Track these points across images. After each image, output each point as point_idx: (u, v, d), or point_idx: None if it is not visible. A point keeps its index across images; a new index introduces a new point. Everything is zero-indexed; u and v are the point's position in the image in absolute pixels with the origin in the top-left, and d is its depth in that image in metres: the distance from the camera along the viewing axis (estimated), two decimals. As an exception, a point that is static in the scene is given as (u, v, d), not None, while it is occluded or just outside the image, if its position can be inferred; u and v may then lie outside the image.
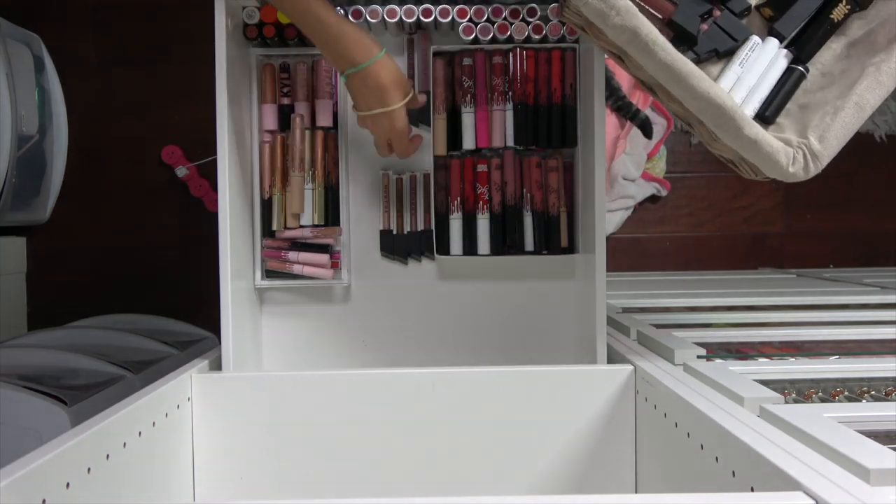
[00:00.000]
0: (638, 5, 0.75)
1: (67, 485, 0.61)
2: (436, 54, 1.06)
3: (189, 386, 0.88)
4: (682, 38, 0.78)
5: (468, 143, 1.06)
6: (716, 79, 0.78)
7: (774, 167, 0.73)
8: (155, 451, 0.79)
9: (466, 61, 1.06)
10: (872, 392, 0.78)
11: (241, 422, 0.89)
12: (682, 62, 0.72)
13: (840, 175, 2.20)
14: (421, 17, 1.03)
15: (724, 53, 0.79)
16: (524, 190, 1.07)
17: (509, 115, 1.06)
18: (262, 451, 0.89)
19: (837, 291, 1.42)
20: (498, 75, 1.05)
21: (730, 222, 2.19)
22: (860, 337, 1.01)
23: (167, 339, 1.52)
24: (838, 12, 0.78)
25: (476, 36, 1.03)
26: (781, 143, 0.73)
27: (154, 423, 0.79)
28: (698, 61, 0.78)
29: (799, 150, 0.73)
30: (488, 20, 1.03)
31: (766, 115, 0.76)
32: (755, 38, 0.79)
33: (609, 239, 2.07)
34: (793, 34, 0.79)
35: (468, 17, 1.03)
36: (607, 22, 0.72)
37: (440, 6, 1.02)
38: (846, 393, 0.78)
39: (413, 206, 1.09)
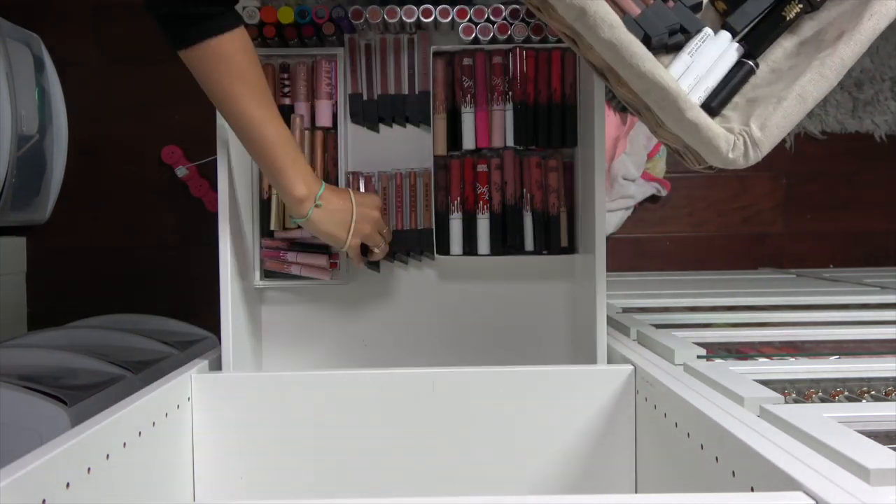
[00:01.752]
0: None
1: (67, 485, 0.61)
2: (436, 54, 1.06)
3: (189, 386, 0.88)
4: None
5: (468, 143, 1.06)
6: (665, 67, 0.79)
7: (715, 153, 0.73)
8: (155, 451, 0.79)
9: (466, 61, 1.06)
10: (872, 392, 0.78)
11: (241, 422, 0.89)
12: (629, 42, 0.72)
13: (840, 175, 2.20)
14: (421, 18, 1.03)
15: (673, 46, 0.80)
16: (524, 190, 1.07)
17: (509, 115, 1.06)
18: (262, 450, 0.89)
19: (837, 291, 1.42)
20: (498, 75, 1.05)
21: (730, 222, 2.19)
22: (860, 337, 1.01)
23: (167, 339, 1.52)
24: (790, 10, 0.78)
25: (476, 36, 1.03)
26: (723, 130, 0.73)
27: (154, 423, 0.79)
28: (650, 48, 0.78)
29: (740, 136, 0.73)
30: (488, 20, 1.03)
31: (712, 106, 0.77)
32: (707, 30, 0.80)
33: (609, 239, 2.07)
34: (745, 29, 0.80)
35: (468, 17, 1.03)
36: None
37: (440, 6, 1.02)
38: (846, 393, 0.78)
39: (413, 205, 1.09)
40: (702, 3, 0.81)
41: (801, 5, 0.78)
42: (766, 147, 0.73)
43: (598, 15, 0.71)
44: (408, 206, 1.09)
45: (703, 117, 0.73)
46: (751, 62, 0.78)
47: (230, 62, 0.83)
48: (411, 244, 1.09)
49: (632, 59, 0.72)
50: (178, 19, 0.81)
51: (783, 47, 0.81)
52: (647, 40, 0.78)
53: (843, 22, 0.76)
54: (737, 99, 0.79)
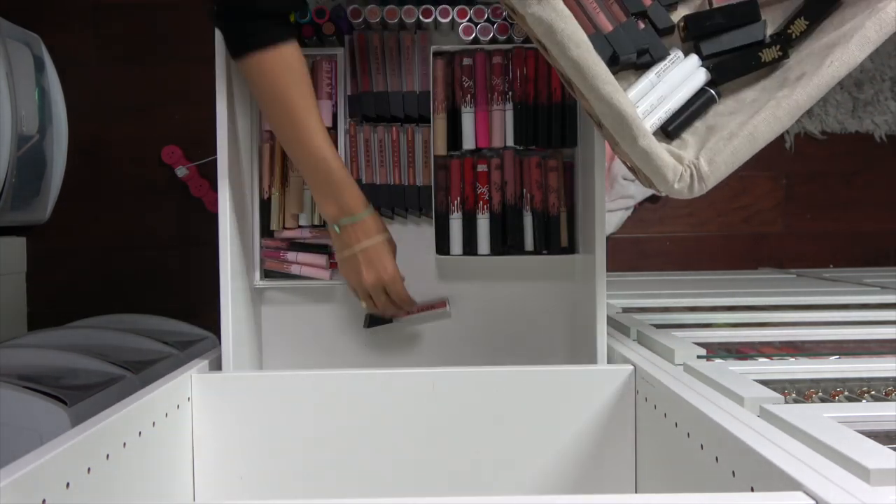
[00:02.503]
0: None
1: (67, 485, 0.61)
2: (436, 54, 1.06)
3: (189, 386, 0.88)
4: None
5: (468, 143, 1.06)
6: (631, 84, 0.80)
7: (661, 181, 0.75)
8: (155, 451, 0.79)
9: (466, 61, 1.06)
10: (872, 392, 0.78)
11: (241, 422, 0.89)
12: (593, 62, 0.72)
13: (840, 175, 2.20)
14: (421, 18, 1.03)
15: (642, 64, 0.81)
16: (524, 190, 1.07)
17: (509, 115, 1.06)
18: (262, 451, 0.89)
19: (837, 291, 1.42)
20: (498, 75, 1.05)
21: (730, 222, 2.19)
22: (860, 337, 1.01)
23: (167, 339, 1.52)
24: (768, 54, 0.79)
25: (476, 36, 1.03)
26: (672, 160, 0.74)
27: (154, 423, 0.79)
28: (617, 66, 0.79)
29: (687, 168, 0.75)
30: (488, 20, 1.03)
31: (669, 130, 0.78)
32: (678, 53, 0.81)
33: (609, 239, 2.07)
34: (712, 56, 0.81)
35: (468, 17, 1.03)
36: (526, 9, 0.72)
37: (440, 6, 1.02)
38: (846, 393, 0.78)
39: (411, 161, 1.08)
40: (674, 26, 0.82)
41: (780, 52, 0.79)
42: (712, 182, 0.75)
43: (566, 33, 0.72)
44: (405, 161, 1.08)
45: (654, 146, 0.74)
46: (712, 91, 0.79)
47: (294, 70, 0.88)
48: (411, 201, 1.08)
49: (593, 81, 0.73)
50: (253, 19, 0.86)
51: (748, 79, 0.82)
52: (615, 58, 0.79)
53: (807, 64, 0.77)
54: (697, 123, 0.80)
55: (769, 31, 0.81)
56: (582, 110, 1.04)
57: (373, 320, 1.10)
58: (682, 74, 0.80)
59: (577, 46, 0.72)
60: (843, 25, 0.78)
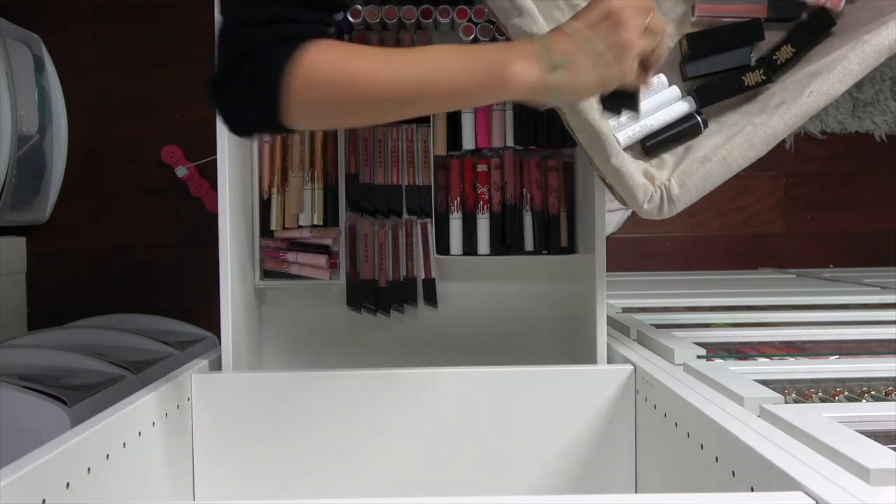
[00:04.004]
0: None
1: (67, 485, 0.61)
2: (436, 54, 1.06)
3: (189, 386, 0.88)
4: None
5: (468, 143, 1.06)
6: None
7: (632, 200, 0.76)
8: (155, 451, 0.79)
9: (466, 61, 1.06)
10: (872, 392, 0.78)
11: (241, 422, 0.89)
12: None
13: (840, 175, 2.20)
14: (421, 18, 1.03)
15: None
16: (524, 190, 1.07)
17: (509, 115, 1.06)
18: (262, 451, 0.89)
19: (837, 291, 1.42)
20: (498, 75, 1.05)
21: (730, 222, 2.19)
22: (860, 337, 1.01)
23: (167, 339, 1.52)
24: (751, 78, 0.80)
25: (476, 36, 1.03)
26: (644, 180, 0.75)
27: (154, 423, 0.79)
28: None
29: (658, 190, 0.75)
30: (488, 20, 1.03)
31: (647, 146, 0.79)
32: (663, 78, 0.82)
33: (609, 239, 2.06)
34: (696, 76, 0.81)
35: (468, 17, 1.03)
36: (508, 21, 0.72)
37: (440, 6, 1.02)
38: (846, 393, 0.78)
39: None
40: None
41: (763, 76, 0.79)
42: (682, 204, 0.76)
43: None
44: (405, 161, 1.08)
45: (626, 166, 0.74)
46: (700, 118, 0.80)
47: (343, 53, 0.65)
48: (411, 201, 1.07)
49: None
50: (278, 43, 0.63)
51: (730, 101, 0.83)
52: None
53: (788, 92, 0.77)
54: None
55: (754, 57, 0.82)
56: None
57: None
58: (664, 98, 0.81)
59: None
60: (828, 54, 0.78)
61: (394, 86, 0.65)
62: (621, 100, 0.73)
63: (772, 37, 0.84)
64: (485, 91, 0.66)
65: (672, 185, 0.74)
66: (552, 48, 0.65)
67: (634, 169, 0.75)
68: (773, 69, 0.80)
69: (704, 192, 0.75)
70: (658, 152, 0.79)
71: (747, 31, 0.82)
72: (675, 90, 0.81)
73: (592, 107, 0.73)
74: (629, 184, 0.74)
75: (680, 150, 0.80)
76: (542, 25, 0.71)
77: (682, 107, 0.80)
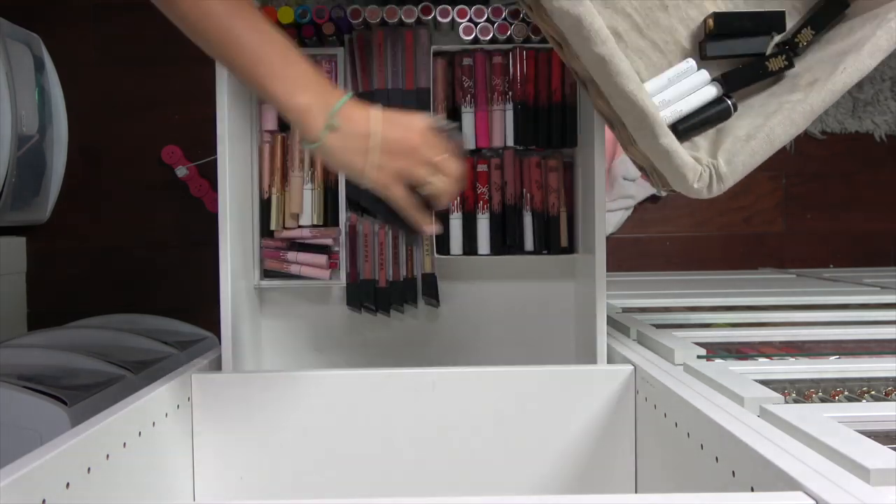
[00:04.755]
0: None
1: (67, 485, 0.61)
2: (436, 54, 1.06)
3: (189, 386, 0.88)
4: None
5: (468, 143, 1.06)
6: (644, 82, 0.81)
7: (681, 181, 0.76)
8: (155, 451, 0.79)
9: (466, 61, 1.06)
10: (872, 392, 0.78)
11: (241, 422, 0.89)
12: (619, 59, 0.73)
13: (840, 175, 2.20)
14: (420, 17, 1.03)
15: None
16: (524, 190, 1.07)
17: (509, 115, 1.06)
18: (262, 451, 0.89)
19: (837, 291, 1.42)
20: (498, 75, 1.05)
21: (730, 222, 2.19)
22: (860, 337, 1.01)
23: (167, 339, 1.52)
24: (775, 63, 0.81)
25: (476, 36, 1.03)
26: (692, 160, 0.75)
27: (154, 423, 0.79)
28: None
29: (707, 169, 0.76)
30: (488, 20, 1.03)
31: (679, 129, 0.80)
32: (691, 62, 0.82)
33: (609, 239, 2.07)
34: (717, 56, 0.83)
35: (468, 17, 1.03)
36: (553, 2, 0.72)
37: (440, 6, 1.02)
38: (846, 393, 0.78)
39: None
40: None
41: (786, 62, 0.80)
42: (730, 182, 0.76)
43: (594, 28, 0.72)
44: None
45: (675, 145, 0.74)
46: (730, 102, 0.80)
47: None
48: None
49: (617, 77, 0.73)
50: None
51: (757, 84, 0.84)
52: None
53: (818, 70, 0.78)
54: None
55: (772, 45, 0.83)
56: (594, 111, 1.04)
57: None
58: (692, 83, 0.81)
59: (604, 43, 0.72)
60: (850, 35, 0.80)
61: (210, 24, 0.69)
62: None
63: (788, 23, 0.85)
64: (271, 96, 0.68)
65: (720, 164, 0.76)
66: (342, 111, 0.68)
67: (683, 149, 0.75)
68: (795, 53, 0.81)
69: (751, 169, 0.76)
70: (691, 135, 0.80)
71: (770, 21, 0.83)
72: (704, 74, 0.81)
73: (641, 87, 0.73)
74: (678, 163, 0.74)
75: (711, 132, 0.80)
76: (589, 8, 0.72)
77: (711, 91, 0.81)
